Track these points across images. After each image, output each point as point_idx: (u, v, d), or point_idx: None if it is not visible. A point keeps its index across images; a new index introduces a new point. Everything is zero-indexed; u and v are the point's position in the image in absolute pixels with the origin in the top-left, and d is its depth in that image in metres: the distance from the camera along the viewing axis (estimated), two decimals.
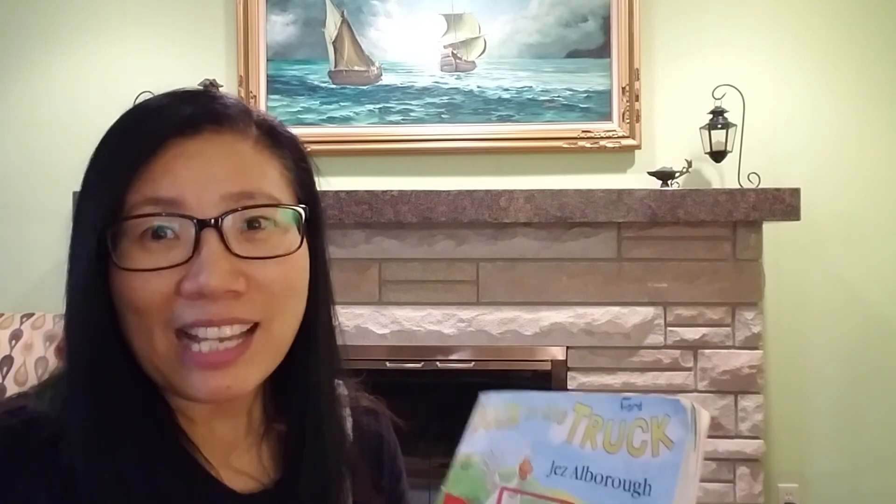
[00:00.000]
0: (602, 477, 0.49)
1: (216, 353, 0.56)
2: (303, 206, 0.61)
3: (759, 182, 2.33)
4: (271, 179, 0.60)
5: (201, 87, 0.64)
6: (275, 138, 0.61)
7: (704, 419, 0.48)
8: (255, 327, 0.58)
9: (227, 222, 0.56)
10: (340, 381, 0.72)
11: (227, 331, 0.56)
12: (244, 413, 0.65)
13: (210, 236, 0.55)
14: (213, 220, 0.55)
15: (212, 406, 0.62)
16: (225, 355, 0.56)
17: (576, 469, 0.50)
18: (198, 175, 0.56)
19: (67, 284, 0.58)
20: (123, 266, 0.55)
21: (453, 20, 2.50)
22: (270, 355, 0.60)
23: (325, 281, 0.67)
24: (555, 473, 0.51)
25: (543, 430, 0.53)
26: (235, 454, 0.64)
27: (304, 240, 0.61)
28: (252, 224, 0.57)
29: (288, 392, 0.65)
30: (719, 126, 2.32)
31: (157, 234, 0.55)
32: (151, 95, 0.62)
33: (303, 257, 0.61)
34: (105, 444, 0.55)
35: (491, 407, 0.57)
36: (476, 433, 0.57)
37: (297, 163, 0.63)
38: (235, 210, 0.56)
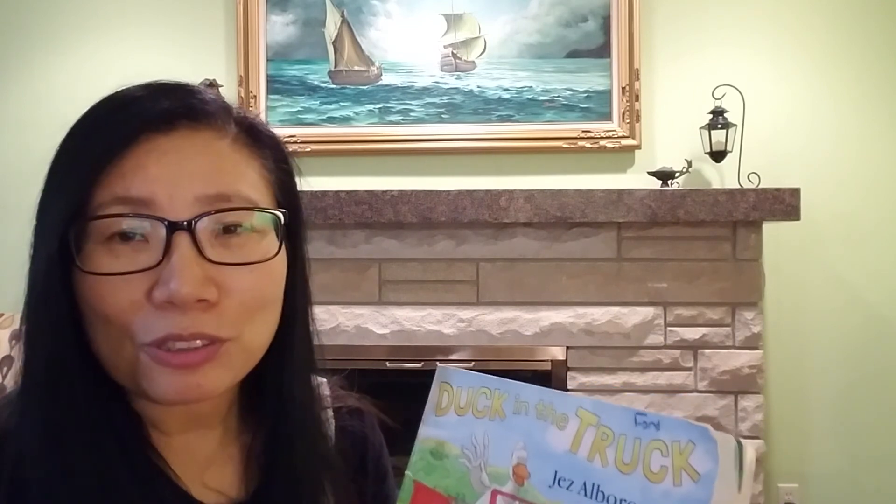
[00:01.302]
0: (616, 499, 0.44)
1: (185, 353, 0.52)
2: (282, 210, 0.58)
3: (759, 182, 2.33)
4: (249, 180, 0.56)
5: (179, 81, 0.59)
6: (255, 137, 0.58)
7: (750, 456, 0.42)
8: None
9: (201, 225, 0.52)
10: (324, 380, 0.69)
11: (197, 342, 0.53)
12: (219, 424, 0.62)
13: (182, 240, 0.51)
14: (185, 223, 0.51)
15: (185, 417, 0.59)
16: (194, 356, 0.52)
17: (584, 485, 0.45)
18: (171, 173, 0.52)
19: (27, 285, 0.55)
20: (87, 269, 0.51)
21: (453, 20, 2.50)
22: (241, 360, 0.56)
23: (303, 286, 0.63)
24: (558, 485, 0.46)
25: (540, 432, 0.48)
26: (211, 467, 0.61)
27: (283, 245, 0.57)
28: (227, 228, 0.54)
29: (262, 402, 0.62)
30: (719, 126, 2.32)
31: (126, 235, 0.52)
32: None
33: (280, 263, 0.58)
34: (60, 457, 0.52)
35: (463, 388, 0.53)
36: (446, 416, 0.53)
37: (278, 164, 0.60)
38: (210, 213, 0.53)
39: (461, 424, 0.52)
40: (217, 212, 0.53)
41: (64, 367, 0.53)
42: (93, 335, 0.54)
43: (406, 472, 0.53)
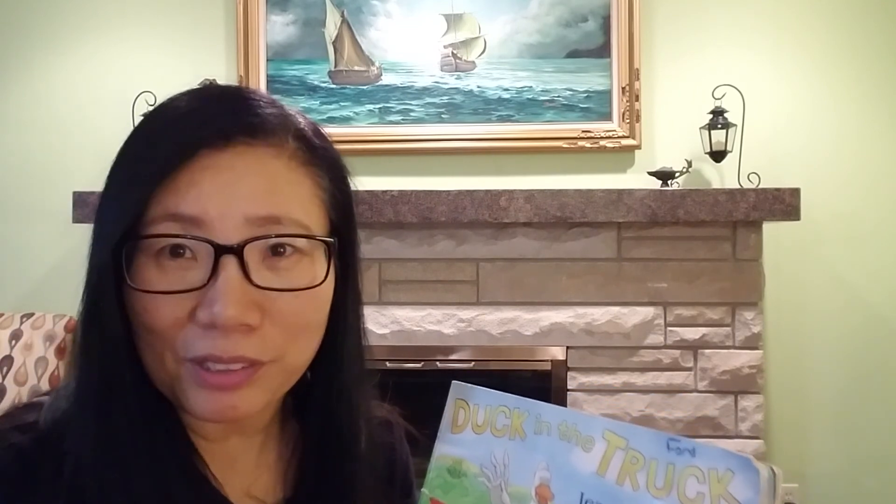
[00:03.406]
0: None
1: (224, 374, 0.53)
2: (333, 237, 0.57)
3: (759, 182, 2.33)
4: (302, 201, 0.55)
5: (238, 89, 0.59)
6: (312, 153, 0.57)
7: (781, 483, 0.43)
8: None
9: (249, 248, 0.52)
10: (394, 409, 0.71)
11: (234, 367, 0.53)
12: (259, 431, 0.63)
13: (229, 263, 0.51)
14: (233, 247, 0.51)
15: (225, 426, 0.59)
16: (233, 377, 0.53)
17: None
18: (223, 192, 0.52)
19: (83, 294, 0.55)
20: (138, 287, 0.52)
21: (453, 20, 2.50)
22: (280, 381, 0.56)
23: (355, 302, 0.62)
24: None
25: (564, 453, 0.47)
26: (249, 474, 0.62)
27: (330, 268, 0.57)
28: (276, 250, 0.54)
29: (306, 411, 0.63)
30: (719, 126, 2.32)
31: (175, 251, 0.52)
32: (179, 93, 0.58)
33: (327, 287, 0.57)
34: (116, 464, 0.53)
35: (480, 406, 0.52)
36: (462, 433, 0.51)
37: (335, 182, 0.59)
38: (258, 238, 0.52)
39: (479, 443, 0.51)
40: (265, 237, 0.53)
41: (118, 375, 0.53)
42: (140, 346, 0.54)
43: (422, 490, 0.53)
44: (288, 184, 0.55)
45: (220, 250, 0.51)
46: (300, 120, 0.59)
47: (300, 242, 0.55)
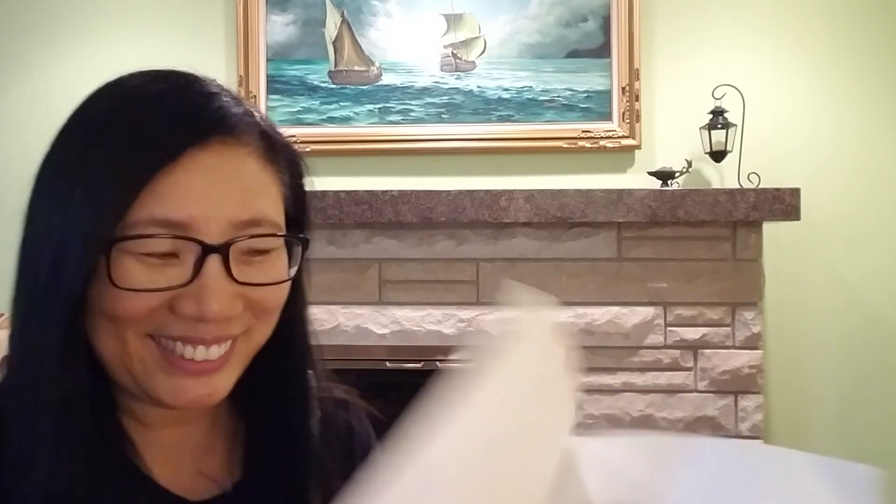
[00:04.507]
0: None
1: (205, 361, 0.55)
2: (303, 236, 0.61)
3: (759, 182, 2.33)
4: (274, 201, 0.58)
5: (196, 76, 0.60)
6: (273, 150, 0.59)
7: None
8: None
9: (233, 249, 0.54)
10: (309, 372, 0.70)
11: (215, 350, 0.55)
12: (205, 416, 0.63)
13: (214, 261, 0.53)
14: (219, 246, 0.53)
15: (174, 414, 0.60)
16: (212, 364, 0.55)
17: None
18: (209, 196, 0.53)
19: (25, 278, 0.55)
20: (121, 285, 0.52)
21: (453, 20, 2.50)
22: (245, 357, 0.59)
23: (304, 287, 0.65)
24: None
25: None
26: (196, 459, 0.62)
27: (300, 264, 0.60)
28: (254, 248, 0.56)
29: (255, 390, 0.63)
30: (719, 126, 2.32)
31: (160, 250, 0.53)
32: (138, 76, 0.59)
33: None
34: (37, 440, 0.53)
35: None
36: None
37: (293, 178, 0.61)
38: (242, 238, 0.55)
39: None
40: (248, 238, 0.55)
41: (59, 362, 0.53)
42: (94, 332, 0.54)
43: None
44: (262, 185, 0.57)
45: (207, 250, 0.53)
46: (260, 116, 0.60)
47: (275, 240, 0.58)
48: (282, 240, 0.58)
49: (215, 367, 0.55)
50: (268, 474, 0.62)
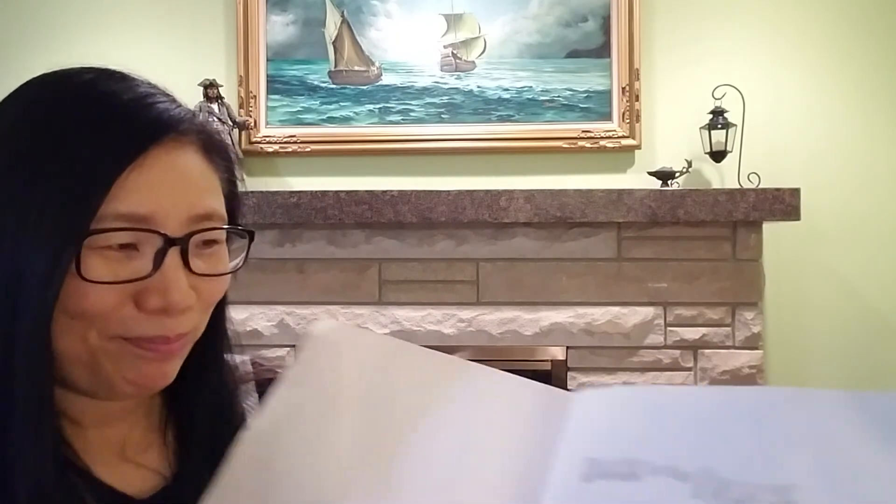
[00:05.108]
0: None
1: (165, 345, 0.57)
2: (250, 230, 0.64)
3: (759, 182, 2.33)
4: (217, 196, 0.61)
5: (132, 75, 0.63)
6: (214, 146, 0.62)
7: None
8: None
9: (190, 242, 0.57)
10: (246, 358, 0.73)
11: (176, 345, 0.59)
12: (141, 411, 0.65)
13: (174, 253, 0.56)
14: (179, 239, 0.56)
15: (106, 410, 0.61)
16: (171, 347, 0.58)
17: None
18: (170, 192, 0.56)
19: None
20: (89, 278, 0.53)
21: (453, 20, 2.50)
22: (187, 349, 0.61)
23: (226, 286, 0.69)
24: None
25: None
26: (133, 455, 0.63)
27: (245, 257, 0.63)
28: (206, 241, 0.60)
29: (184, 379, 0.64)
30: (719, 126, 2.32)
31: (123, 243, 0.55)
32: (85, 72, 0.62)
33: None
34: None
35: None
36: None
37: (229, 174, 0.64)
38: (199, 231, 0.58)
39: None
40: (204, 231, 0.58)
41: (14, 361, 0.53)
42: (54, 329, 0.54)
43: None
44: (209, 181, 0.60)
45: (168, 242, 0.55)
46: (197, 116, 0.62)
47: (221, 234, 0.61)
48: (224, 233, 0.61)
49: (175, 350, 0.58)
50: (205, 461, 0.62)
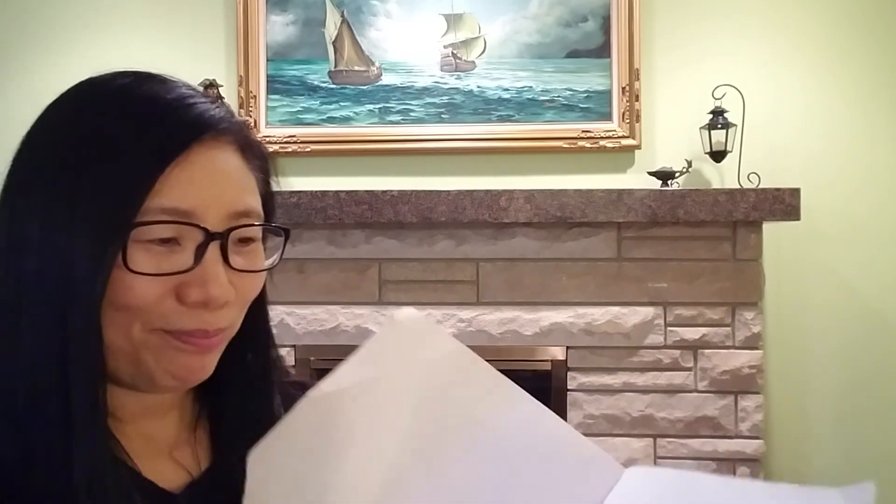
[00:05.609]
0: None
1: (205, 339, 0.59)
2: (286, 227, 0.65)
3: (759, 182, 2.33)
4: (255, 194, 0.62)
5: (169, 77, 0.65)
6: (253, 147, 0.63)
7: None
8: None
9: (230, 237, 0.59)
10: (282, 353, 0.74)
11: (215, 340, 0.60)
12: (176, 407, 0.66)
13: (215, 249, 0.58)
14: (220, 234, 0.58)
15: (144, 404, 0.62)
16: (212, 341, 0.60)
17: None
18: (211, 188, 0.58)
19: (23, 277, 0.55)
20: (133, 269, 0.55)
21: (453, 20, 2.50)
22: (225, 345, 0.63)
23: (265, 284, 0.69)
24: None
25: None
26: (169, 451, 0.64)
27: (281, 255, 0.64)
28: (244, 239, 0.61)
29: (219, 376, 0.65)
30: (719, 126, 2.32)
31: (165, 237, 0.57)
32: (127, 75, 0.64)
33: None
34: (34, 443, 0.54)
35: None
36: None
37: (265, 175, 0.65)
38: (239, 227, 0.59)
39: None
40: (244, 227, 0.60)
41: (79, 355, 0.55)
42: (101, 322, 0.56)
43: None
44: (247, 179, 0.62)
45: (209, 237, 0.57)
46: (235, 114, 0.64)
47: (258, 231, 0.62)
48: (261, 231, 0.63)
49: (215, 343, 0.60)
50: (236, 458, 0.62)
